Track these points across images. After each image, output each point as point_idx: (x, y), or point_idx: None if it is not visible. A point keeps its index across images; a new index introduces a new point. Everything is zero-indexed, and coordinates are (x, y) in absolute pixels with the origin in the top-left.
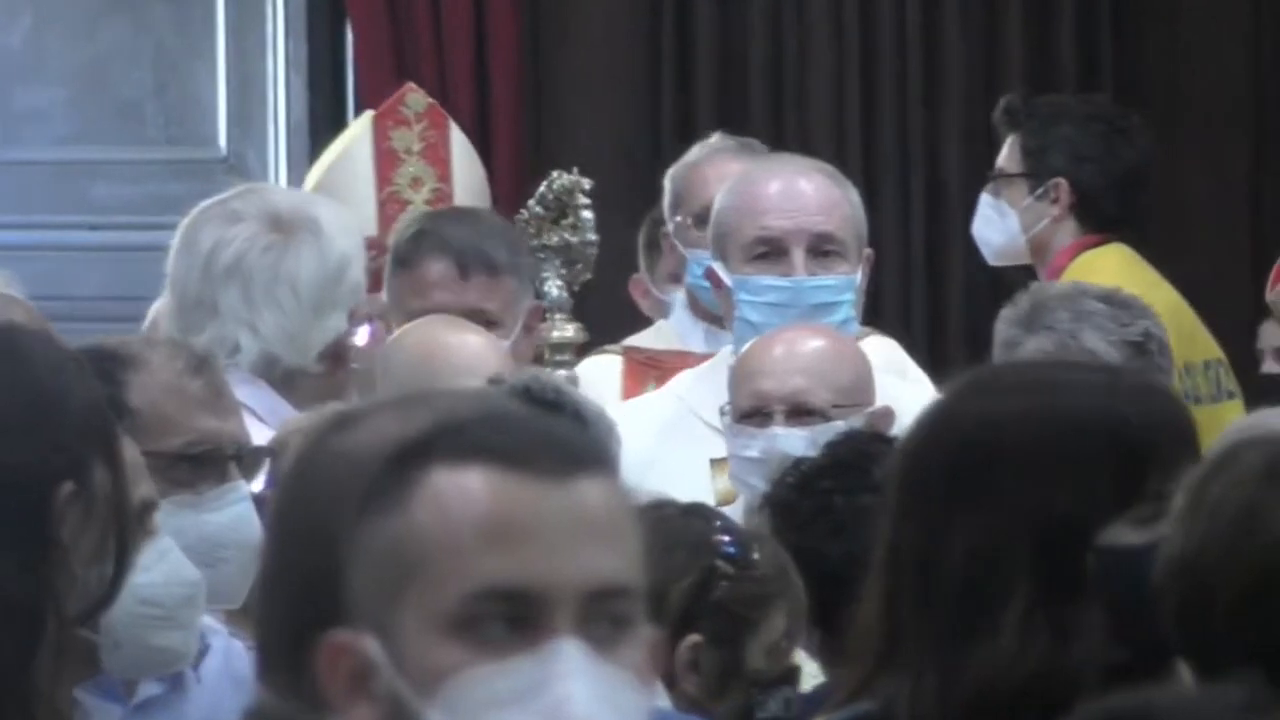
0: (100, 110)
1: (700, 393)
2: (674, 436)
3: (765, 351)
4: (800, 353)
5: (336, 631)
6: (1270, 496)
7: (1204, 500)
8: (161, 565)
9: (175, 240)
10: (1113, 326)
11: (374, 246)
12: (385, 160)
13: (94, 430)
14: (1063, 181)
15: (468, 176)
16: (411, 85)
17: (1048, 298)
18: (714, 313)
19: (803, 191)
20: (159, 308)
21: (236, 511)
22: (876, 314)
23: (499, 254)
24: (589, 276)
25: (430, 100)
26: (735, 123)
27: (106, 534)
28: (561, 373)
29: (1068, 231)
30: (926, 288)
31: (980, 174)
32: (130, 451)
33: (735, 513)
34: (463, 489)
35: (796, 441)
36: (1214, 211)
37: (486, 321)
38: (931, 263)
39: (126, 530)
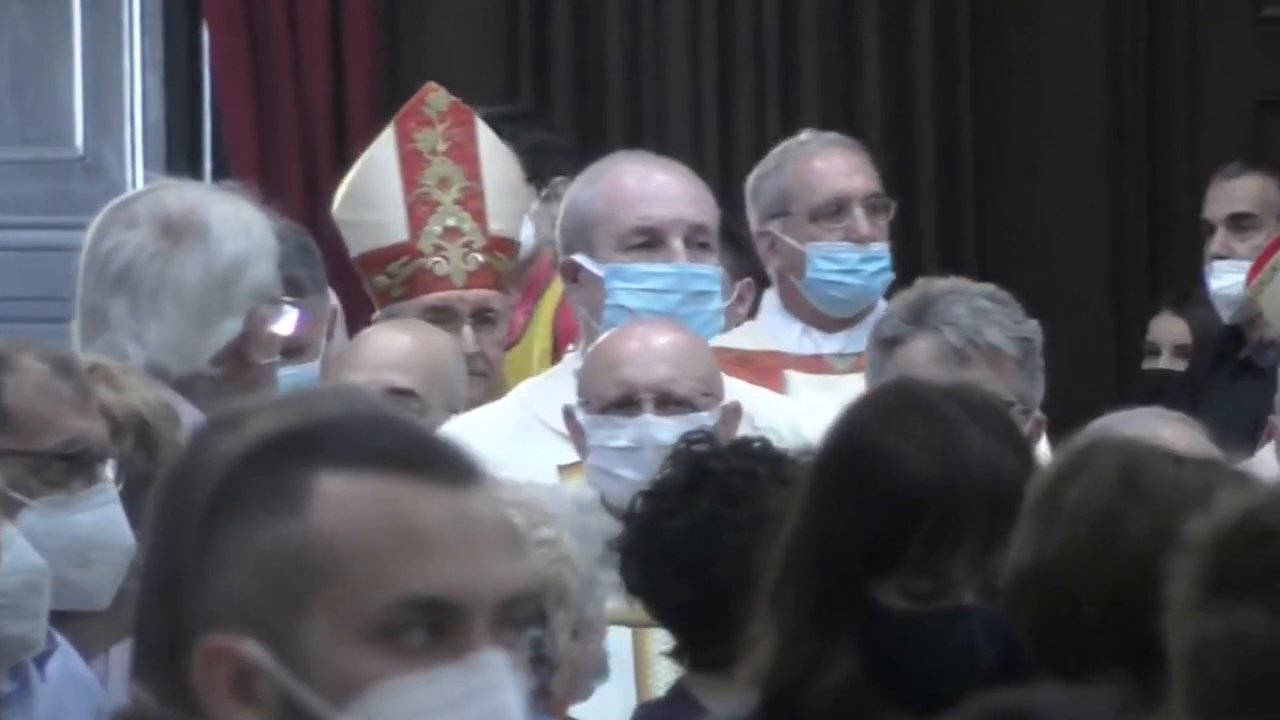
0: None
1: (543, 398)
2: (520, 443)
3: (622, 343)
4: (659, 344)
5: (212, 636)
6: (1129, 504)
7: (1059, 507)
8: (3, 554)
9: (85, 240)
10: (1009, 324)
11: (406, 251)
12: (410, 162)
13: None
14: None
15: (498, 173)
16: (432, 85)
17: (937, 294)
18: (820, 310)
19: (673, 183)
20: None
21: (105, 513)
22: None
23: (301, 274)
24: None
25: (453, 99)
26: (592, 123)
27: None
28: None
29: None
30: None
31: None
32: None
33: None
34: (368, 495)
35: (668, 430)
36: (1073, 225)
37: (297, 349)
38: None
39: None
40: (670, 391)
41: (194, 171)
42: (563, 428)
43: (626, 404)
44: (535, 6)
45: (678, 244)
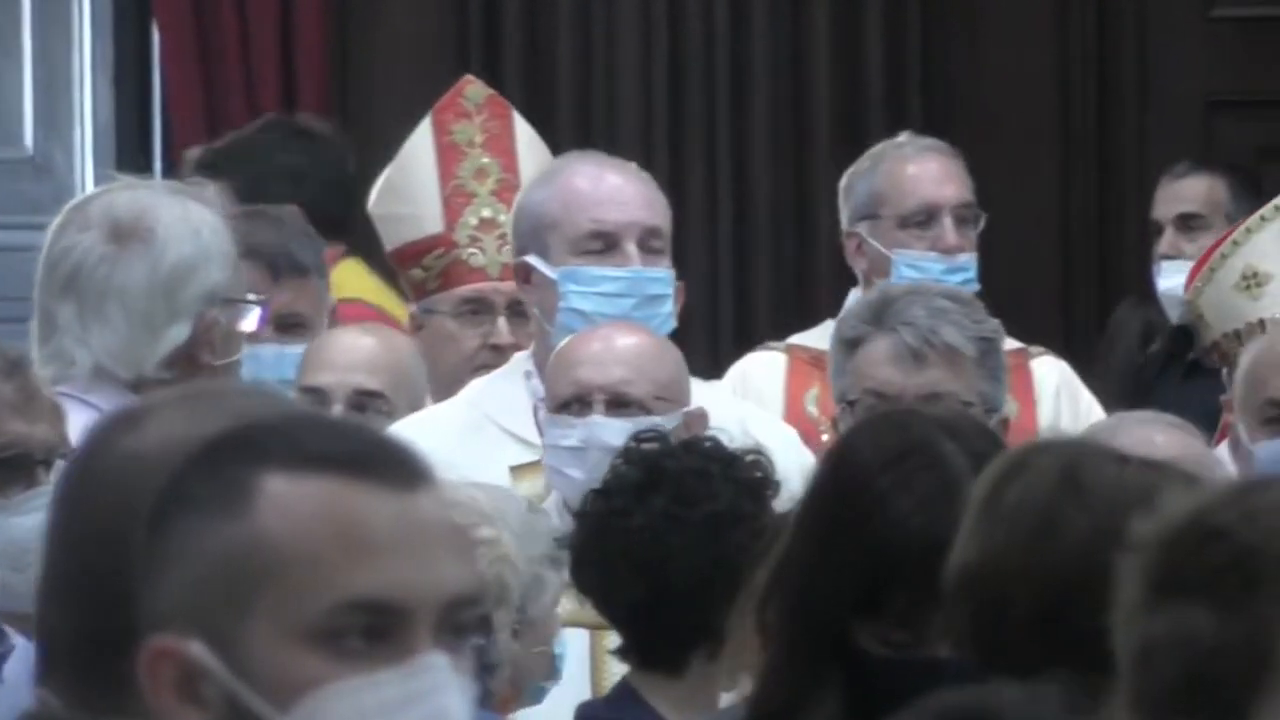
0: None
1: (494, 399)
2: (470, 444)
3: (584, 344)
4: (620, 346)
5: (158, 637)
6: (1068, 505)
7: (1000, 506)
8: None
9: (45, 239)
10: (968, 323)
11: (441, 243)
12: (447, 154)
13: None
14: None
15: (535, 165)
16: (469, 77)
17: (897, 295)
18: None
19: (626, 185)
20: None
21: (43, 518)
22: (682, 315)
23: (306, 255)
24: None
25: (490, 91)
26: (542, 119)
27: None
28: None
29: None
30: (733, 289)
31: (786, 176)
32: None
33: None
34: (313, 497)
35: (616, 431)
36: (1022, 225)
37: (299, 324)
38: (738, 263)
39: None
40: (623, 393)
41: (144, 173)
42: (514, 428)
43: (579, 403)
44: (485, 4)
45: (631, 248)
